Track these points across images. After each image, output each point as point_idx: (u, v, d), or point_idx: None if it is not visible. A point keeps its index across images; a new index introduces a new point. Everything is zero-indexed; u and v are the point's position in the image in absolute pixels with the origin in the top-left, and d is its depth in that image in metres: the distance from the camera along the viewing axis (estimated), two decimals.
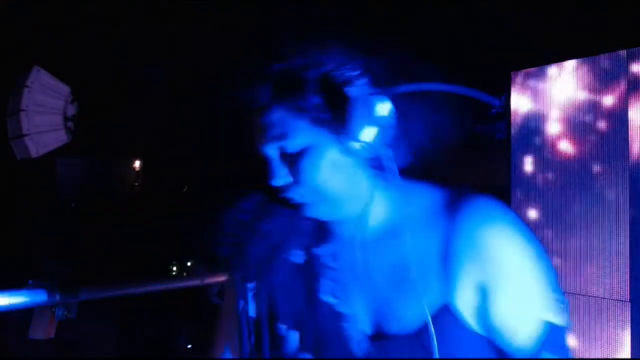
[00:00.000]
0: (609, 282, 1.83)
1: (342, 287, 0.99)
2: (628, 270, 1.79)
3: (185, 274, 4.42)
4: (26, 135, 3.86)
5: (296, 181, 0.93)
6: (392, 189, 0.95)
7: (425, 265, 0.91)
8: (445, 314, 0.87)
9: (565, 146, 1.98)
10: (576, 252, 1.94)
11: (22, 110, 3.83)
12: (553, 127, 2.02)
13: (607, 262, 1.85)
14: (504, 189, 2.18)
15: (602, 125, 1.88)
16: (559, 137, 2.00)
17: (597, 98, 1.89)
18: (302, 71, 0.92)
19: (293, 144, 0.91)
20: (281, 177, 0.94)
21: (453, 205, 0.92)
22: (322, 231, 1.03)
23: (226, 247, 1.09)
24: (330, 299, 0.99)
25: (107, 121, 4.43)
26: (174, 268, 4.48)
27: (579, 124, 1.94)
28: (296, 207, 0.96)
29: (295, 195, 0.94)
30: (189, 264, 4.45)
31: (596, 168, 1.89)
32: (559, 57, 2.01)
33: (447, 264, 0.89)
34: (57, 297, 1.34)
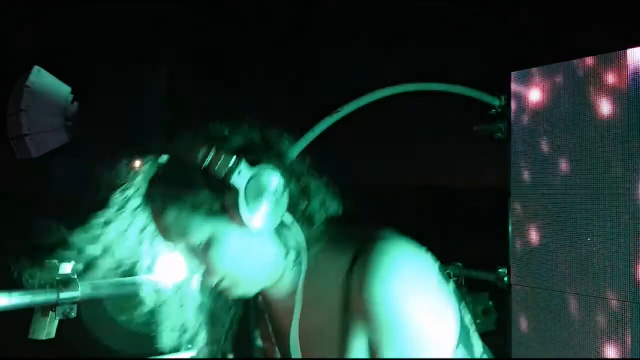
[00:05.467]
0: (609, 282, 1.84)
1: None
2: (628, 270, 1.79)
3: None
4: (26, 135, 3.86)
5: (209, 271, 0.97)
6: (300, 259, 0.98)
7: (327, 331, 0.95)
8: None
9: (566, 147, 1.98)
10: (576, 252, 1.94)
11: (22, 110, 3.82)
12: (553, 128, 2.02)
13: (607, 262, 1.85)
14: (503, 190, 2.18)
15: (602, 125, 1.88)
16: (559, 138, 2.00)
17: (598, 98, 1.89)
18: (186, 168, 0.95)
19: (195, 239, 0.94)
20: (194, 269, 1.00)
21: (352, 267, 0.94)
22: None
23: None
24: None
25: (107, 121, 4.43)
26: None
27: (579, 124, 1.94)
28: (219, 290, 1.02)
29: (212, 283, 0.99)
30: None
31: (596, 168, 1.89)
32: (560, 57, 2.01)
33: (344, 328, 0.92)
34: (57, 297, 1.34)
